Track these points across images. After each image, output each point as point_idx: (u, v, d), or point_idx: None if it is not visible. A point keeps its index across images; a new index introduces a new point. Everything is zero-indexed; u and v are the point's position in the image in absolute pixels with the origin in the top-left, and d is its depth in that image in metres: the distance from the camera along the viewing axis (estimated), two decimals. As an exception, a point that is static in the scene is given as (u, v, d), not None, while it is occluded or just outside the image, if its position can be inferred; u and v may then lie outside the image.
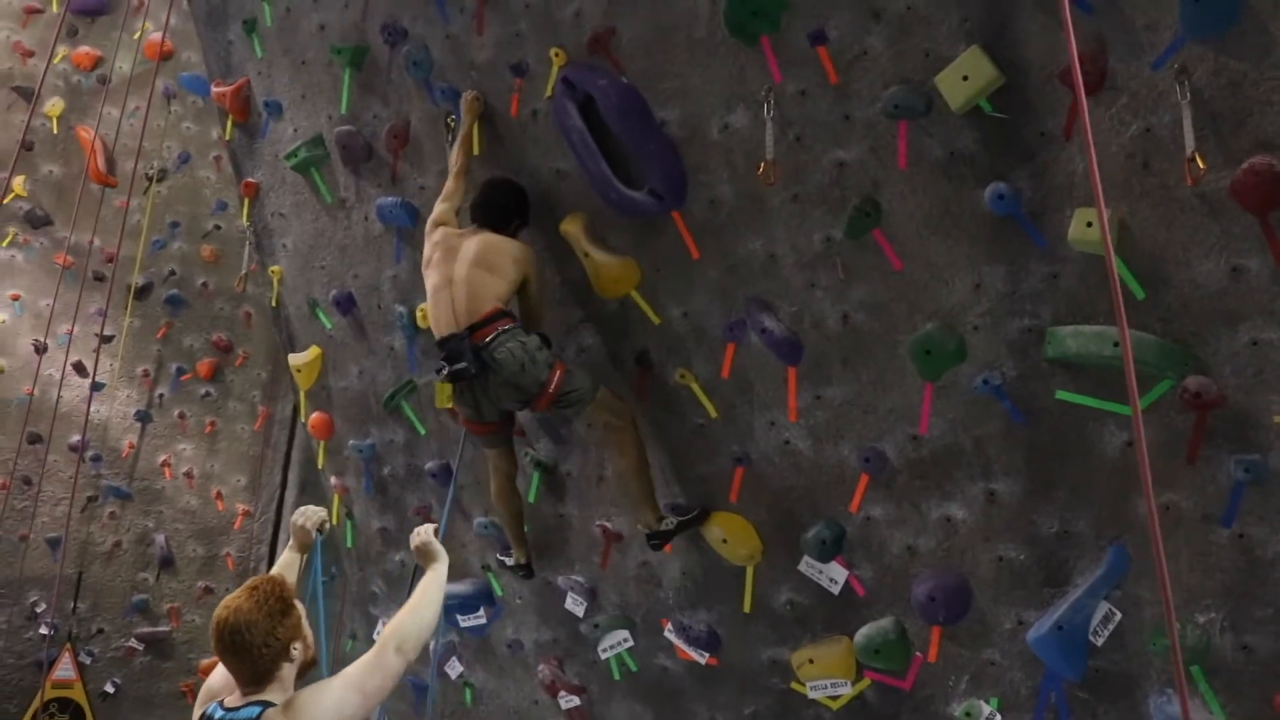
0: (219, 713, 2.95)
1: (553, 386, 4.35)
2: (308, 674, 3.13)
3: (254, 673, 2.94)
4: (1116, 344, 3.43)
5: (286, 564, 3.68)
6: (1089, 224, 3.43)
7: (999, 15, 3.62)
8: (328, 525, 3.81)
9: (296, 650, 2.99)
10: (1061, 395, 3.63)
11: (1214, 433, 3.38)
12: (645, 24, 4.39)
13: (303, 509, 3.77)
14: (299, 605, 3.06)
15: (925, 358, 3.91)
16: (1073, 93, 3.50)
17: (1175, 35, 3.29)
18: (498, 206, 4.69)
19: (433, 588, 3.39)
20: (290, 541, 3.76)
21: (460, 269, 4.50)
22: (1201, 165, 3.25)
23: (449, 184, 4.81)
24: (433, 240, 4.69)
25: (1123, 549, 3.56)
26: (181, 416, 10.62)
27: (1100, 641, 3.62)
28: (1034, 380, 3.71)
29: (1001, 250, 3.72)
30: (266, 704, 2.90)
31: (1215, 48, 3.24)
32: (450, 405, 5.00)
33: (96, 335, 9.90)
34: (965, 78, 3.62)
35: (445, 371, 4.40)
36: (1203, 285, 3.35)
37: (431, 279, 4.61)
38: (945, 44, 3.72)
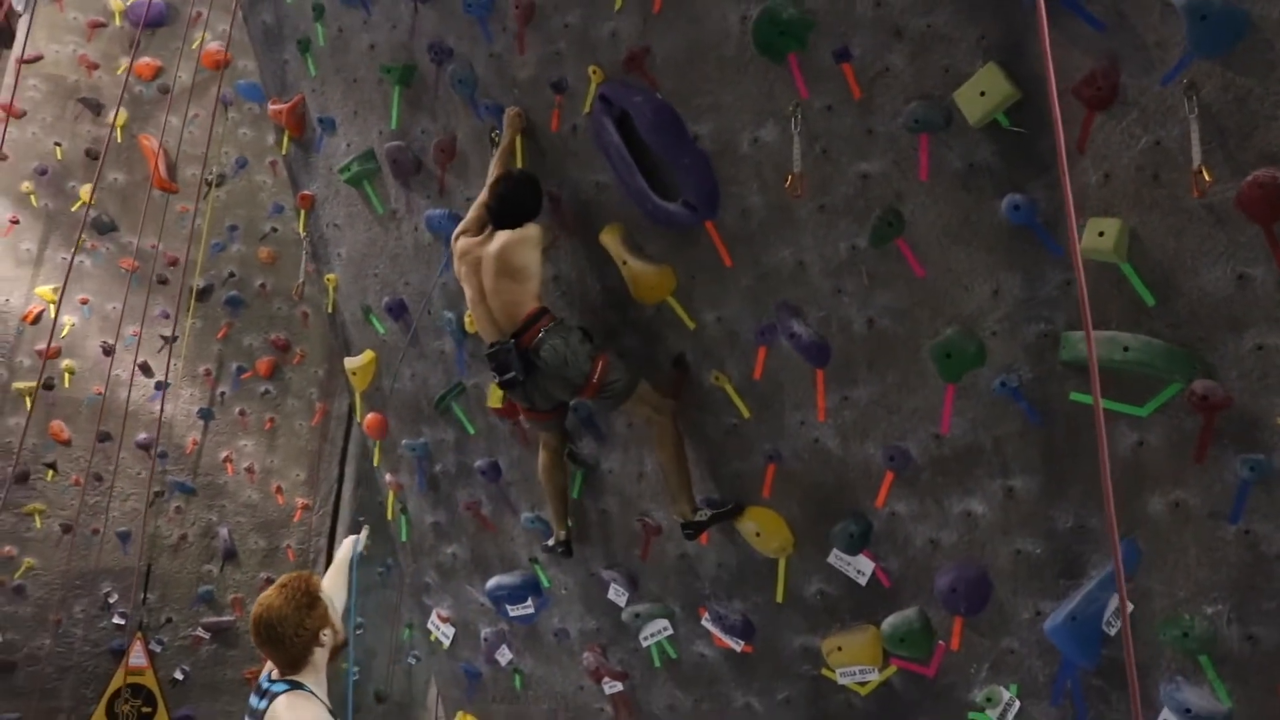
0: (266, 682, 3.36)
1: (596, 377, 4.57)
2: (339, 655, 3.51)
3: (289, 659, 3.31)
4: (1127, 348, 3.55)
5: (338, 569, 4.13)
6: (1100, 233, 3.54)
7: (1015, 33, 3.73)
8: (365, 545, 4.28)
9: (326, 636, 3.35)
10: (1075, 397, 3.74)
11: (1221, 434, 3.48)
12: (678, 43, 4.55)
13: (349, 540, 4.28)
14: (324, 597, 3.41)
15: (946, 361, 4.03)
16: (1086, 107, 3.66)
17: (1184, 52, 3.39)
18: (520, 210, 4.76)
19: None
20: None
21: (488, 281, 4.68)
22: (1208, 178, 3.34)
23: (483, 194, 4.93)
24: (456, 254, 4.87)
25: (1134, 543, 3.67)
26: (242, 414, 10.83)
27: (1113, 631, 3.73)
28: (1049, 382, 3.83)
29: (1018, 258, 3.84)
30: (296, 684, 3.28)
31: (1222, 64, 3.33)
32: (500, 405, 5.29)
33: (162, 337, 10.26)
34: (983, 93, 3.73)
35: (497, 380, 4.67)
36: (1210, 293, 3.45)
37: (467, 292, 4.83)
38: (964, 61, 3.84)
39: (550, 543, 5.36)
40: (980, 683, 4.15)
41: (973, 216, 3.93)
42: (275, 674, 3.36)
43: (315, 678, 3.34)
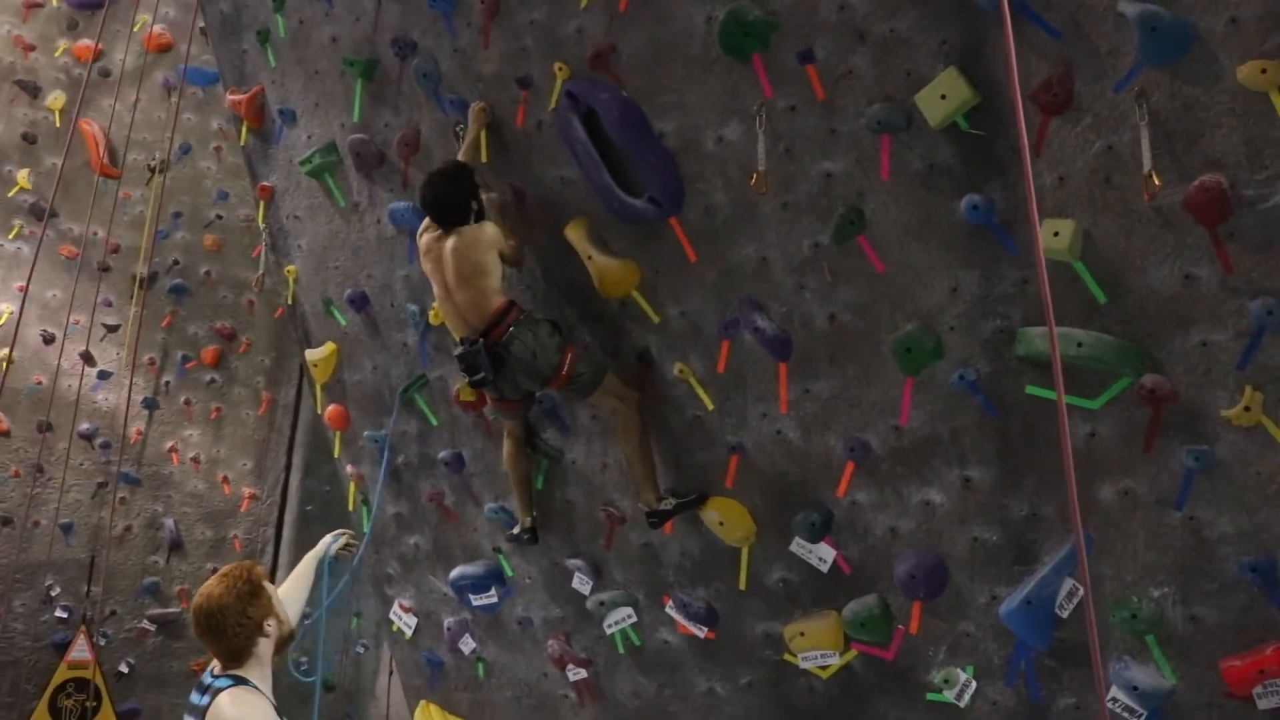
0: (209, 678, 3.26)
1: (565, 369, 4.64)
2: (286, 648, 3.41)
3: (231, 651, 3.21)
4: (1080, 344, 3.70)
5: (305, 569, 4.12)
6: (1055, 233, 3.68)
7: (975, 39, 3.85)
8: (350, 548, 4.30)
9: (270, 627, 3.26)
10: (1031, 390, 3.88)
11: (1167, 426, 3.65)
12: (644, 41, 4.60)
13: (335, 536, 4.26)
14: (268, 586, 3.32)
15: (906, 355, 4.14)
16: (1042, 112, 3.80)
17: (1135, 61, 3.54)
18: (452, 207, 4.77)
19: None
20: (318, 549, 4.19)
21: (451, 278, 4.72)
22: (1157, 181, 3.50)
23: None
24: (420, 248, 4.91)
25: (1085, 530, 3.81)
26: (187, 403, 10.71)
27: (1065, 614, 3.89)
28: (1005, 376, 3.96)
29: (976, 256, 3.97)
30: (239, 679, 3.19)
31: (1171, 73, 3.49)
32: (472, 399, 5.35)
33: (105, 325, 10.07)
34: (943, 96, 3.85)
35: (467, 380, 4.73)
36: (1158, 291, 3.61)
37: (434, 287, 4.87)
38: (925, 65, 3.95)
39: (515, 530, 5.40)
40: (938, 665, 4.29)
41: (932, 216, 4.05)
42: (218, 669, 3.26)
43: (260, 672, 3.24)
